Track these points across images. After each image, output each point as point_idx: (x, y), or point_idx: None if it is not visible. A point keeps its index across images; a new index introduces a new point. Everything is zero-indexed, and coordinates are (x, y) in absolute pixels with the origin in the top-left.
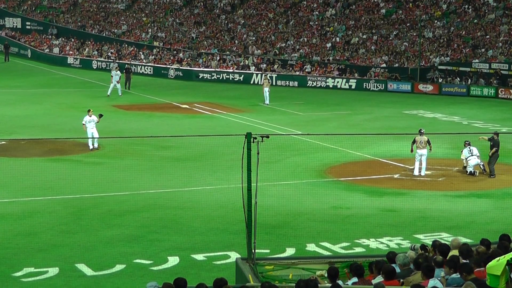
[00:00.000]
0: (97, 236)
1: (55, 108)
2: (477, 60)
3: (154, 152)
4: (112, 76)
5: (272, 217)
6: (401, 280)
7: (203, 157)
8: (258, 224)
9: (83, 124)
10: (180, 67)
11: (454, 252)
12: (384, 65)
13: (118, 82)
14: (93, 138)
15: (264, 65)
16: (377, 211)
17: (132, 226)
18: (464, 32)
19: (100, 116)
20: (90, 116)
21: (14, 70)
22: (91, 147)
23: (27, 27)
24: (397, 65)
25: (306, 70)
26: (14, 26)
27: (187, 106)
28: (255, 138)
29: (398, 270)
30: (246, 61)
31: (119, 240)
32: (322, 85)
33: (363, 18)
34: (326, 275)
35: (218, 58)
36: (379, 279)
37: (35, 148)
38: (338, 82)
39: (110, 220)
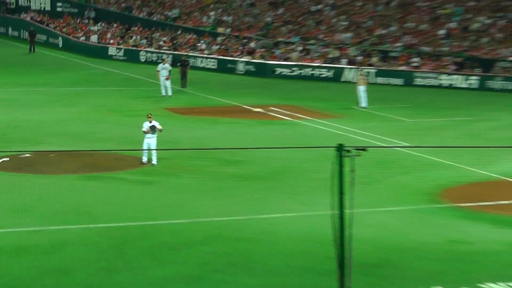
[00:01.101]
0: (145, 276)
1: (92, 112)
2: None
3: (219, 168)
4: (158, 71)
5: (371, 254)
6: None
7: (281, 175)
8: (354, 262)
9: (144, 131)
10: (252, 60)
11: None
12: None
13: (167, 78)
14: (148, 150)
15: (360, 57)
16: (508, 247)
17: (190, 264)
18: None
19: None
20: (151, 123)
21: (42, 63)
22: (144, 159)
23: (58, 9)
24: None
25: (413, 64)
26: (42, 8)
27: (261, 110)
28: (349, 151)
29: None
30: (337, 52)
31: (174, 282)
32: (434, 84)
33: None
34: None
35: (300, 48)
36: None
37: (67, 162)
38: (454, 79)
39: (162, 256)
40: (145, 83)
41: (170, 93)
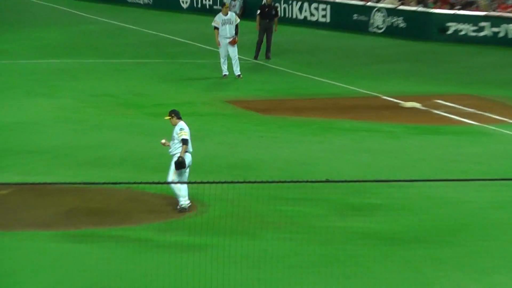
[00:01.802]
0: None
1: (86, 107)
2: None
3: (334, 220)
4: (215, 27)
5: None
6: None
7: (457, 234)
8: None
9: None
10: (400, 7)
11: None
12: None
13: (233, 41)
14: (178, 183)
15: None
16: None
17: None
18: None
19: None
20: (176, 125)
21: None
22: (183, 201)
23: None
24: None
25: None
26: None
27: (417, 105)
28: None
29: None
30: None
31: None
32: None
33: None
34: None
35: None
36: None
37: (35, 205)
38: None
39: None
40: (189, 50)
41: (237, 70)
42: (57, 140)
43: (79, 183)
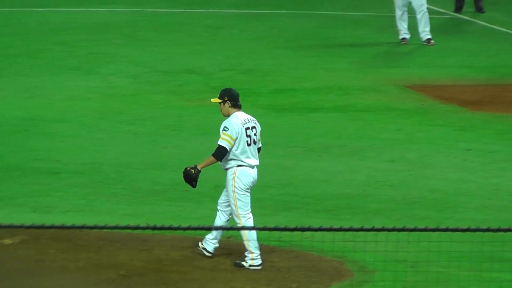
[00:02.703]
0: None
1: (152, 93)
2: None
3: None
4: None
5: None
6: None
7: None
8: None
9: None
10: None
11: None
12: None
13: None
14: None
15: None
16: None
17: None
18: None
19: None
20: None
21: None
22: (249, 260)
23: None
24: None
25: None
26: None
27: None
28: None
29: None
30: None
31: None
32: None
33: None
34: None
35: None
36: None
37: (66, 268)
38: None
39: None
40: None
41: (426, 31)
42: (99, 152)
43: (142, 228)
